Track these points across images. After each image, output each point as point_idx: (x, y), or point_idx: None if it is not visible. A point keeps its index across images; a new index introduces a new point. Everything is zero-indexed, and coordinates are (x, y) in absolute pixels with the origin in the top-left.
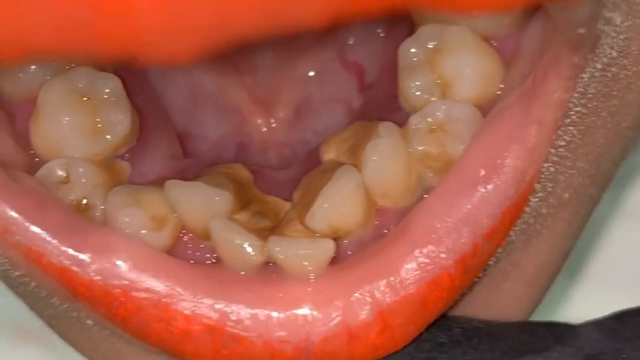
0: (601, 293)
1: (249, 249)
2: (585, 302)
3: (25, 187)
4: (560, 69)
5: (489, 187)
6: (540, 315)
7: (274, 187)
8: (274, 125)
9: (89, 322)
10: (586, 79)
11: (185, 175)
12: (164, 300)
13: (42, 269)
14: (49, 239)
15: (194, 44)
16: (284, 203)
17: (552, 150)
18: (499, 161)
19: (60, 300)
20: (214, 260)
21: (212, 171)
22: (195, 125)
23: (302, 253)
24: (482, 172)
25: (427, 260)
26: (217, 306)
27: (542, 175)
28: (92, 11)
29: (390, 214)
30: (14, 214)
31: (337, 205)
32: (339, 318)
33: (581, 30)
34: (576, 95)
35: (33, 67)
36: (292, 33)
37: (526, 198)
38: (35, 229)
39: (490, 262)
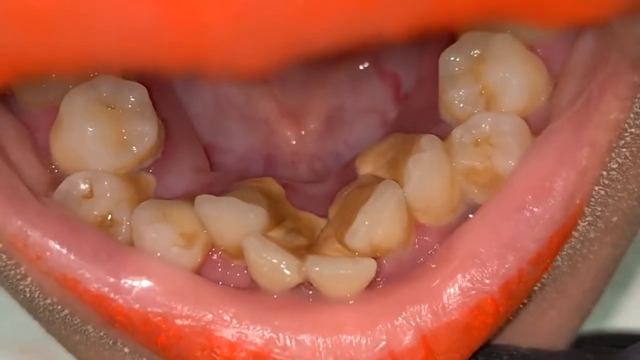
0: None
1: (286, 269)
2: (632, 315)
3: (57, 213)
4: (619, 89)
5: (537, 210)
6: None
7: (307, 202)
8: (304, 137)
9: (126, 349)
10: None
11: (212, 190)
12: (207, 327)
13: (78, 296)
14: (85, 265)
15: (265, 57)
16: (319, 220)
17: (604, 173)
18: (547, 184)
19: (95, 328)
20: (239, 278)
21: (242, 185)
22: (221, 138)
23: (343, 274)
24: (530, 196)
25: (470, 285)
26: (263, 332)
27: (592, 199)
28: (161, 23)
29: (432, 232)
30: (47, 240)
31: (379, 223)
32: (384, 343)
33: None
34: (632, 115)
35: (54, 75)
36: (368, 46)
37: (575, 222)
38: (70, 255)
39: (536, 288)
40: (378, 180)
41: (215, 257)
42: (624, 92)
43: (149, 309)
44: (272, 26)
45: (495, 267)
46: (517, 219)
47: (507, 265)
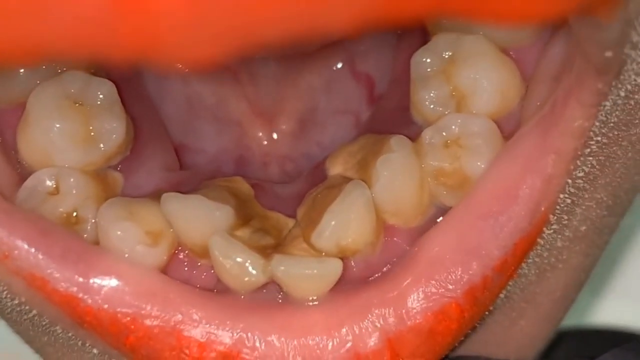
0: (625, 306)
1: (251, 268)
2: (607, 315)
3: (25, 212)
4: (583, 96)
5: (502, 218)
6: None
7: (276, 202)
8: (276, 138)
9: (95, 350)
10: (608, 107)
11: (181, 189)
12: (176, 327)
13: (46, 296)
14: (53, 265)
15: (216, 49)
16: (287, 220)
17: (570, 181)
18: (512, 192)
19: (64, 328)
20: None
21: (210, 184)
22: (192, 138)
23: (308, 273)
24: (495, 203)
25: (434, 290)
26: (232, 332)
27: (558, 207)
28: (113, 11)
29: (400, 234)
30: (15, 239)
31: (346, 223)
32: (350, 344)
33: (608, 54)
34: (597, 124)
35: (22, 70)
36: (319, 39)
37: (540, 230)
38: (39, 255)
39: (502, 296)
40: (347, 180)
41: (181, 256)
42: (588, 99)
43: (118, 310)
44: (221, 17)
45: (459, 273)
46: (481, 226)
47: (470, 272)
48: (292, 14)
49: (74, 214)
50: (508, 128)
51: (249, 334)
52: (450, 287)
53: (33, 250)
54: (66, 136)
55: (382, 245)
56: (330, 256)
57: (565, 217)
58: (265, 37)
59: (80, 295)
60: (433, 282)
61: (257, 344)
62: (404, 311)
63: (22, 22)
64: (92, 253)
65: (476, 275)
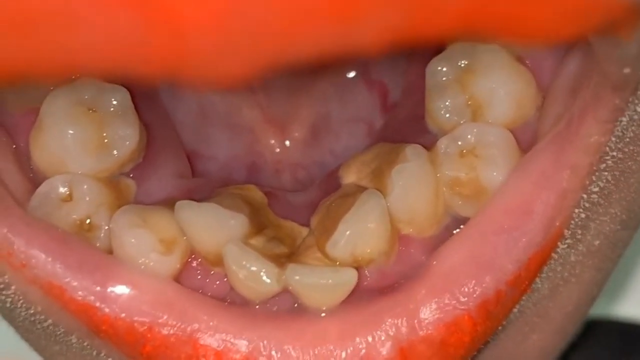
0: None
1: (265, 277)
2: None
3: (42, 222)
4: (599, 112)
5: (516, 234)
6: None
7: (289, 211)
8: (288, 145)
9: None
10: (625, 122)
11: (194, 196)
12: (193, 336)
13: (63, 305)
14: (71, 274)
15: (246, 67)
16: (301, 228)
17: (585, 196)
18: (527, 207)
19: (79, 338)
20: (218, 286)
21: (224, 192)
22: (204, 145)
23: (323, 283)
24: (510, 218)
25: (447, 302)
26: (248, 341)
27: (572, 222)
28: (143, 26)
29: (415, 244)
30: (33, 248)
31: (361, 232)
32: (363, 352)
33: (627, 70)
34: (613, 139)
35: None
36: (348, 57)
37: (554, 245)
38: (56, 264)
39: (515, 310)
40: (361, 189)
41: (194, 264)
42: (605, 116)
43: (135, 319)
44: (254, 34)
45: (472, 286)
46: (495, 241)
47: (484, 285)
48: (322, 34)
49: (87, 221)
50: (524, 138)
51: (265, 342)
52: (463, 299)
53: (50, 259)
54: (79, 143)
55: (397, 255)
56: (344, 266)
57: (580, 232)
58: (293, 56)
59: (97, 304)
60: (446, 294)
61: (273, 353)
62: (416, 322)
63: (51, 35)
64: (108, 262)
65: (489, 289)
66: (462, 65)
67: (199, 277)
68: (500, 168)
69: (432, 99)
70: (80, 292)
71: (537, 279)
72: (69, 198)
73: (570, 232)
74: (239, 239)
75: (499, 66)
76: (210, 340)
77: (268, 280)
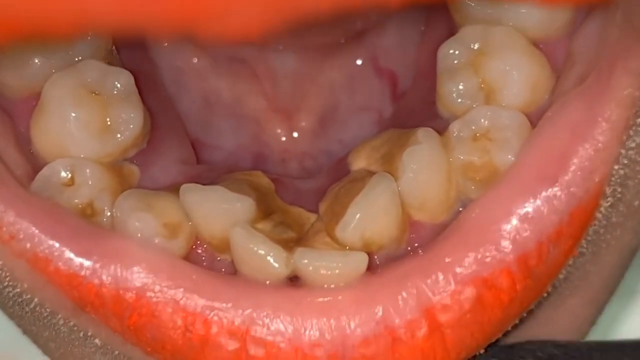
0: None
1: (273, 261)
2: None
3: (33, 194)
4: (630, 62)
5: (554, 186)
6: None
7: (296, 197)
8: (295, 135)
9: (97, 341)
10: None
11: (199, 182)
12: (180, 303)
13: (49, 277)
14: (57, 244)
15: (264, 17)
16: (309, 214)
17: (623, 152)
18: (563, 160)
19: (65, 318)
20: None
21: (230, 178)
22: (209, 134)
23: (333, 266)
24: (547, 170)
25: (484, 255)
26: (241, 310)
27: (612, 179)
28: None
29: (426, 230)
30: (22, 220)
31: (372, 215)
32: (380, 315)
33: None
34: None
35: (37, 59)
36: (367, 10)
37: (596, 202)
38: (43, 235)
39: (561, 276)
40: (371, 174)
41: (199, 250)
42: (637, 67)
43: (121, 286)
44: None
45: (513, 237)
46: (535, 192)
47: (525, 235)
48: None
49: (90, 206)
50: (538, 122)
51: (259, 311)
52: (504, 249)
53: (37, 230)
54: (82, 126)
55: (407, 242)
56: (354, 250)
57: (619, 190)
58: (309, 8)
59: (83, 273)
60: (483, 247)
61: (269, 321)
62: (450, 277)
63: None
64: (98, 233)
65: (530, 241)
66: (475, 47)
67: (205, 263)
68: (515, 151)
69: (444, 83)
70: (65, 262)
71: (583, 242)
72: (70, 182)
73: (610, 190)
74: (246, 223)
75: (512, 48)
76: (200, 308)
77: (276, 264)
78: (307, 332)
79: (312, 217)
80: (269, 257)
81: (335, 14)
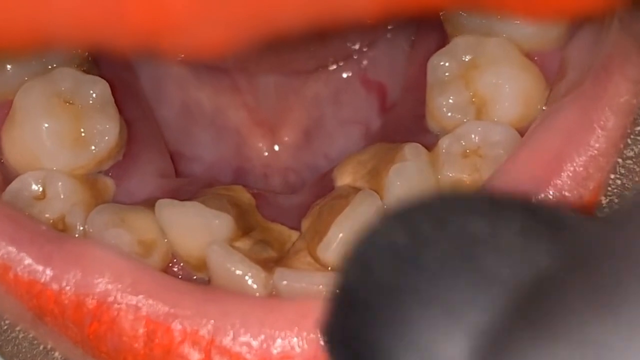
0: None
1: (251, 282)
2: None
3: (1, 201)
4: (628, 70)
5: (547, 189)
6: None
7: (278, 213)
8: (277, 149)
9: (57, 354)
10: None
11: (177, 197)
12: (143, 310)
13: (7, 286)
14: (18, 250)
15: (230, 33)
16: (291, 232)
17: (620, 161)
18: (558, 163)
19: (25, 329)
20: None
21: (209, 193)
22: (188, 145)
23: (313, 289)
24: (540, 173)
25: None
26: (206, 318)
27: (609, 189)
28: None
29: None
30: None
31: (355, 235)
32: None
33: None
34: None
35: (9, 66)
36: (337, 25)
37: (591, 211)
38: (3, 240)
39: None
40: (356, 191)
41: (176, 269)
42: (635, 75)
43: (81, 292)
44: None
45: None
46: (525, 189)
47: None
48: None
49: (62, 220)
50: None
51: (225, 320)
52: None
53: None
54: (55, 137)
55: None
56: (336, 271)
57: (616, 201)
58: (281, 21)
59: (42, 279)
60: None
61: (235, 332)
62: None
63: (23, 3)
64: (59, 237)
65: None
66: (466, 59)
67: None
68: None
69: (434, 96)
70: (25, 269)
71: None
72: (42, 196)
73: (607, 200)
74: (224, 240)
75: (505, 60)
76: (164, 317)
77: (254, 285)
78: (276, 344)
79: (294, 234)
80: (247, 277)
81: (311, 32)
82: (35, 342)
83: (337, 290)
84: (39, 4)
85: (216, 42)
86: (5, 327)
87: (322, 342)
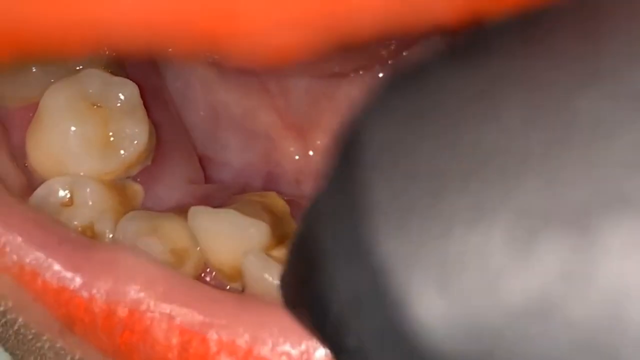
0: None
1: None
2: None
3: (24, 204)
4: None
5: None
6: None
7: None
8: (310, 154)
9: None
10: None
11: (208, 203)
12: (177, 320)
13: (35, 294)
14: (46, 257)
15: (302, 38)
16: None
17: None
18: None
19: (51, 340)
20: None
21: (241, 199)
22: (216, 150)
23: None
24: None
25: None
26: (243, 327)
27: None
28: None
29: None
30: (8, 231)
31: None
32: None
33: None
34: None
35: (34, 68)
36: (418, 32)
37: None
38: (31, 246)
39: None
40: None
41: (208, 278)
42: None
43: (113, 300)
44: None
45: None
46: None
47: None
48: (388, 1)
49: (90, 228)
50: None
51: (263, 330)
52: None
53: (25, 241)
54: (83, 141)
55: None
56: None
57: None
58: (358, 25)
59: (72, 286)
60: None
61: (273, 340)
62: None
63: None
64: (89, 244)
65: None
66: None
67: None
68: None
69: None
70: (54, 275)
71: None
72: (69, 202)
73: None
74: (260, 249)
75: None
76: (199, 326)
77: None
78: (317, 353)
79: None
80: None
81: (382, 36)
82: (62, 352)
83: None
84: (103, 2)
85: (289, 47)
86: (31, 336)
87: None
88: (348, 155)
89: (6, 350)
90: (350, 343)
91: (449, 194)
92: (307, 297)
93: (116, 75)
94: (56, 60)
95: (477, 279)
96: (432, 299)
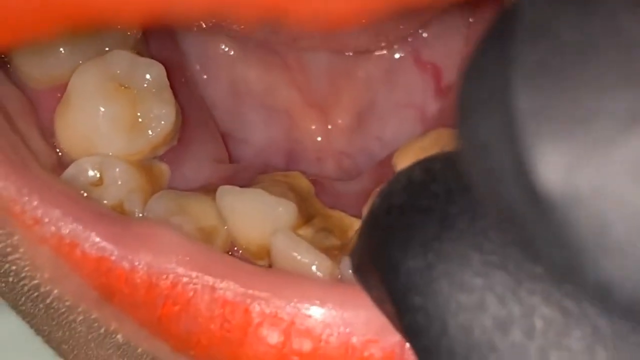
0: None
1: (317, 271)
2: None
3: (60, 180)
4: None
5: None
6: None
7: (337, 200)
8: (331, 131)
9: (119, 337)
10: None
11: (234, 182)
12: (219, 291)
13: (74, 264)
14: (85, 228)
15: (357, 4)
16: (352, 219)
17: None
18: None
19: (87, 310)
20: None
21: (267, 179)
22: (237, 127)
23: None
24: None
25: None
26: (285, 300)
27: None
28: None
29: None
30: (47, 204)
31: None
32: None
33: None
34: None
35: (63, 48)
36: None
37: None
38: (70, 218)
39: None
40: None
41: (235, 256)
42: None
43: (155, 273)
44: None
45: None
46: None
47: None
48: None
49: (120, 207)
50: None
51: (305, 302)
52: None
53: (64, 214)
54: (111, 121)
55: None
56: None
57: None
58: None
59: (113, 257)
60: None
61: (316, 314)
62: None
63: None
64: (125, 220)
65: None
66: None
67: None
68: None
69: None
70: (94, 245)
71: None
72: (99, 182)
73: None
74: (287, 228)
75: None
76: (239, 297)
77: (320, 274)
78: (360, 321)
79: (355, 222)
80: (313, 267)
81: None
82: (96, 324)
83: None
84: None
85: (350, 11)
86: (64, 309)
87: None
88: (502, 28)
89: (32, 327)
90: (415, 302)
91: (586, 68)
92: (380, 262)
93: (143, 55)
94: (110, 30)
95: (594, 140)
96: (556, 147)
